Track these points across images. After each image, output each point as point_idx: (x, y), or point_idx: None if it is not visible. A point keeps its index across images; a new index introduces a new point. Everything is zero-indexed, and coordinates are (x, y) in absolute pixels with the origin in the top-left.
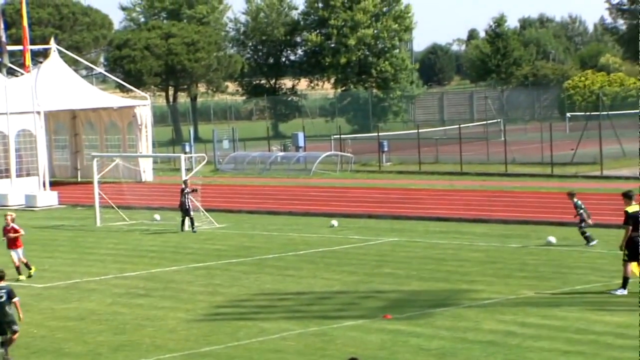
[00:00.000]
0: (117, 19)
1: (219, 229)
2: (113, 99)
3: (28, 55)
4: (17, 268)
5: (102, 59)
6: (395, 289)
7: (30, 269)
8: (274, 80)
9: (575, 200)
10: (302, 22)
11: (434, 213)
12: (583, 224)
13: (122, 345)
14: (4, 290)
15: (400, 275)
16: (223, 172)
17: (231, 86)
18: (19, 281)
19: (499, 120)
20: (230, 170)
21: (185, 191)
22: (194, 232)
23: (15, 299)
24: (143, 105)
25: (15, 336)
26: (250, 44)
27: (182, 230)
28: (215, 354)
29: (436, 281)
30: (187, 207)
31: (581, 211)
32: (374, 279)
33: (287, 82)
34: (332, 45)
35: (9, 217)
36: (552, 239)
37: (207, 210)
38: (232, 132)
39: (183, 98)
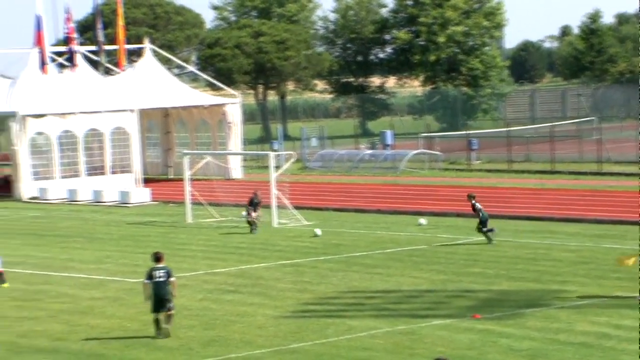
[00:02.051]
0: (209, 18)
1: (307, 226)
2: (204, 97)
3: (124, 55)
4: None
5: (193, 58)
6: (485, 289)
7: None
8: (362, 78)
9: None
10: (391, 20)
11: (525, 212)
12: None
13: (213, 341)
14: (163, 271)
15: (489, 275)
16: (311, 169)
17: (320, 84)
18: None
19: (592, 118)
20: (319, 167)
21: (255, 201)
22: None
23: (172, 279)
24: (233, 104)
25: (171, 312)
26: (339, 42)
27: (252, 232)
28: (303, 350)
29: (526, 281)
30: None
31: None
32: (462, 278)
33: (376, 80)
34: (422, 42)
35: None
36: None
37: (296, 208)
38: (320, 130)
39: (272, 96)
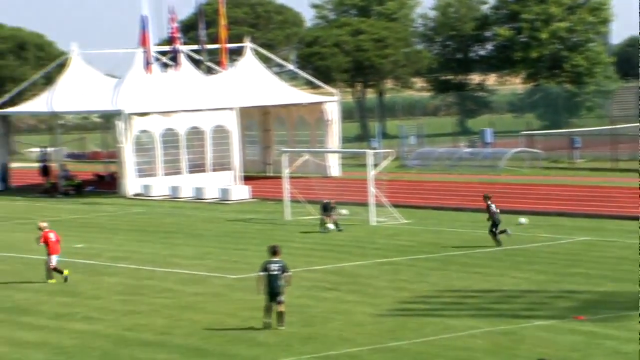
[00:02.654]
0: (308, 17)
1: (404, 224)
2: (303, 96)
3: (226, 54)
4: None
5: (293, 56)
6: (588, 290)
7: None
8: (461, 76)
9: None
10: (492, 16)
11: (631, 212)
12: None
13: (311, 338)
14: (278, 264)
15: (593, 276)
16: (409, 168)
17: (418, 82)
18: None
19: None
20: (417, 166)
21: (328, 206)
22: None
23: (287, 273)
24: (331, 102)
25: (281, 307)
26: (438, 39)
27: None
28: (402, 349)
29: (633, 283)
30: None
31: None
32: (564, 279)
33: (475, 78)
34: (523, 39)
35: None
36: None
37: (393, 206)
38: (419, 128)
39: (370, 94)
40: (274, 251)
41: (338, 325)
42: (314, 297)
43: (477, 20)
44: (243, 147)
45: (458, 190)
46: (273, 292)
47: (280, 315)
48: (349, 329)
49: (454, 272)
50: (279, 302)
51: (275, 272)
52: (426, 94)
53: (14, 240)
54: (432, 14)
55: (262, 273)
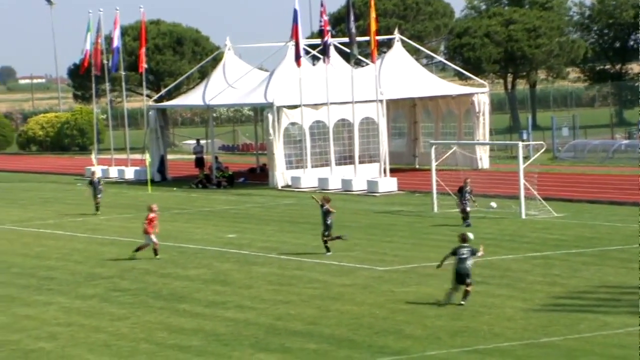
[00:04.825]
0: (458, 8)
1: (557, 218)
2: (451, 87)
3: (375, 46)
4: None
5: (442, 48)
6: None
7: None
8: (619, 66)
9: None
10: None
11: None
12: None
13: (460, 331)
14: (467, 249)
15: None
16: (562, 160)
17: (572, 72)
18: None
19: None
20: (570, 158)
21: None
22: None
23: (479, 253)
24: (481, 93)
25: (469, 288)
26: (595, 27)
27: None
28: (554, 345)
29: None
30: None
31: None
32: None
33: (635, 67)
34: None
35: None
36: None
37: (545, 199)
38: (572, 120)
39: (521, 85)
40: (463, 239)
41: (488, 319)
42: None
43: (637, 8)
44: (390, 139)
45: (614, 183)
46: (462, 272)
47: (466, 293)
48: (499, 323)
49: (610, 267)
50: (468, 284)
51: (465, 256)
52: (581, 85)
53: (171, 229)
54: (588, 2)
55: (451, 255)
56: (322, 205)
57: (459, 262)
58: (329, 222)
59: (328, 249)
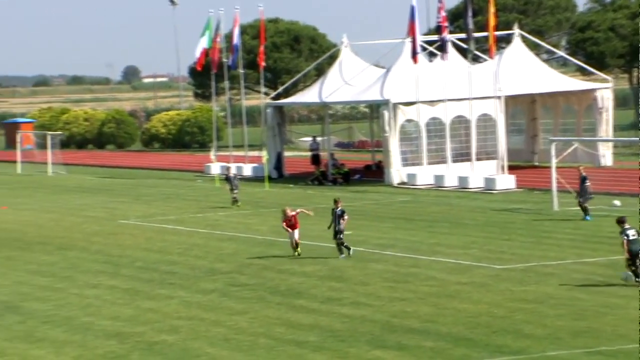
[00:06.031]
0: (581, 1)
1: None
2: (572, 83)
3: (494, 42)
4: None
5: (563, 42)
6: None
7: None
8: None
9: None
10: None
11: None
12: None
13: (582, 332)
14: (634, 230)
15: None
16: None
17: None
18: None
19: None
20: None
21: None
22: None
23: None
24: (604, 88)
25: None
26: None
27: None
28: None
29: None
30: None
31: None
32: None
33: None
34: None
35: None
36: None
37: None
38: None
39: None
40: (621, 221)
41: (611, 320)
42: (585, 291)
43: None
44: (508, 136)
45: None
46: (637, 252)
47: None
48: (624, 325)
49: None
50: None
51: (635, 237)
52: None
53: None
54: None
55: (624, 237)
56: (333, 209)
57: (631, 243)
58: (342, 226)
59: (342, 251)
